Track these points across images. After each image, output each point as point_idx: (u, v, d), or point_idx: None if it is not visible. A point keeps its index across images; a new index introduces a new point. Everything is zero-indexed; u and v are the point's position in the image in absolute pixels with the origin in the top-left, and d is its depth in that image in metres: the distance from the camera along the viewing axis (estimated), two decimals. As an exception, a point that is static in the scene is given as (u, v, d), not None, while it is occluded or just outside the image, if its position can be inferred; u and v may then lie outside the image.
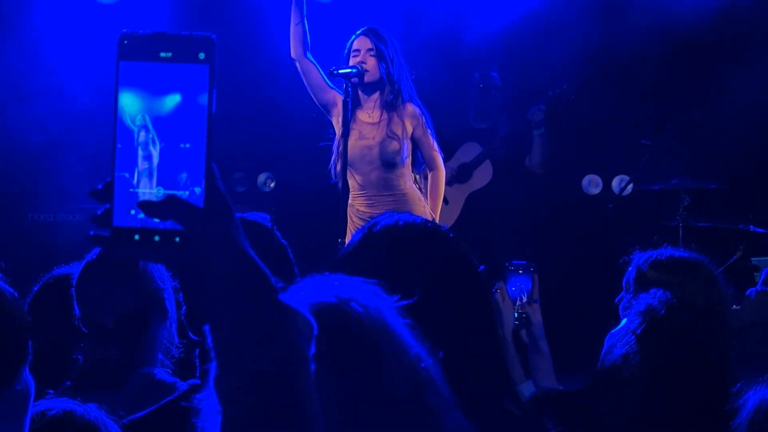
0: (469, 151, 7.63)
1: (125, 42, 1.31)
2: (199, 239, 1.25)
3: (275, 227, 2.65)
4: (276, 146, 8.34)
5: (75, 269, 3.21)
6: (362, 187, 5.82)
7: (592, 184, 8.16)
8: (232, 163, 8.47)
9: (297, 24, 5.83)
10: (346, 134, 5.53)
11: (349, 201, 5.84)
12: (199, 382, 2.44)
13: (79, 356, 2.88)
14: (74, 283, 2.92)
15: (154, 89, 1.32)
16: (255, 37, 8.11)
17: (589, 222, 7.79)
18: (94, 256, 2.89)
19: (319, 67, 5.85)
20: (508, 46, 7.84)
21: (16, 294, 1.85)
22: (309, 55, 5.86)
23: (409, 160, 5.84)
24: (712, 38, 7.52)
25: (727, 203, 7.04)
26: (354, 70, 5.62)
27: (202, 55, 1.31)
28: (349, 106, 5.54)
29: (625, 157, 7.61)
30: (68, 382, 2.85)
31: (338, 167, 5.75)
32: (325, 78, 5.82)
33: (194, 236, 1.25)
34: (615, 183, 8.02)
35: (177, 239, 1.27)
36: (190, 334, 2.58)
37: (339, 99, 5.72)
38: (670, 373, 2.38)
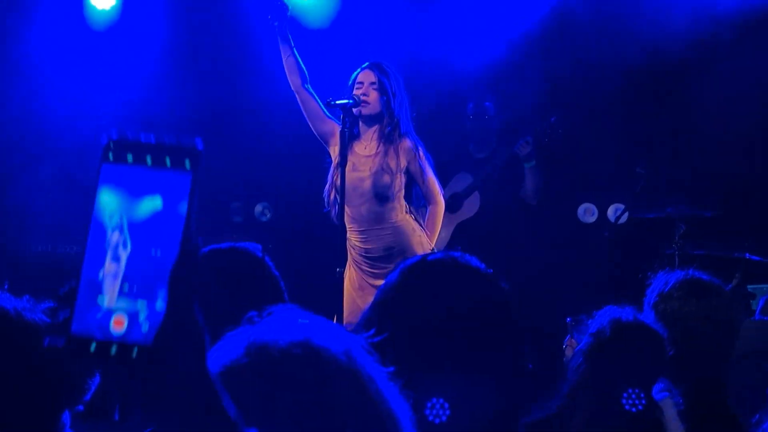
0: (461, 182, 7.68)
1: (111, 147, 1.29)
2: (156, 359, 1.23)
3: (267, 257, 2.66)
4: (273, 176, 8.36)
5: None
6: (354, 220, 5.81)
7: (588, 213, 8.18)
8: (230, 193, 8.49)
9: (288, 57, 5.86)
10: (343, 164, 5.54)
11: (347, 235, 5.85)
12: None
13: (93, 383, 2.89)
14: None
15: (134, 192, 1.30)
16: (252, 66, 8.14)
17: (585, 251, 7.81)
18: None
19: (317, 97, 5.88)
20: (503, 75, 7.89)
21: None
22: (307, 85, 5.88)
23: (401, 194, 5.83)
24: (704, 66, 7.57)
25: (723, 231, 7.06)
26: (350, 102, 5.65)
27: (187, 164, 1.28)
28: (346, 137, 5.57)
29: (620, 185, 7.64)
30: (80, 407, 2.86)
31: (332, 196, 5.77)
32: (323, 108, 5.85)
33: (150, 357, 1.23)
34: (610, 211, 8.04)
35: (134, 354, 1.23)
36: None
37: (337, 129, 5.74)
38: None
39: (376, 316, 1.89)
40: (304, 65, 5.89)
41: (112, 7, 8.17)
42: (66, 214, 7.93)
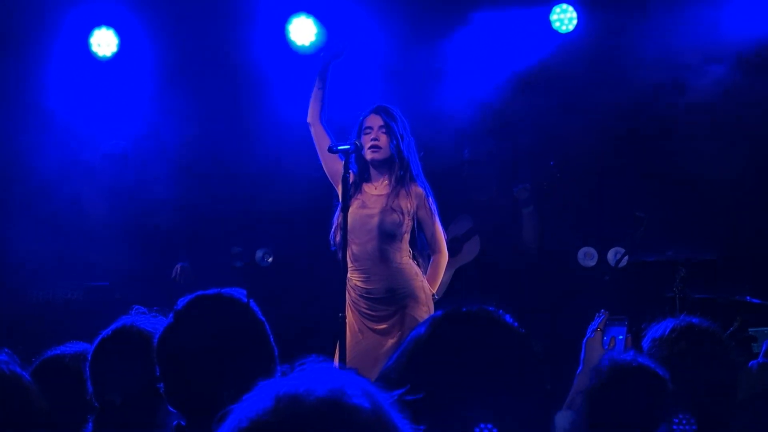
0: (461, 225, 7.69)
1: None
2: None
3: (252, 302, 2.67)
4: (274, 221, 8.37)
5: (69, 348, 3.24)
6: (357, 258, 5.80)
7: (588, 257, 8.18)
8: (230, 238, 8.49)
9: (319, 89, 5.96)
10: (345, 209, 5.56)
11: (348, 275, 5.82)
12: None
13: (87, 431, 2.88)
14: (89, 359, 2.94)
15: None
16: (254, 111, 8.19)
17: (585, 294, 7.79)
18: (110, 333, 2.92)
19: (330, 135, 5.92)
20: (501, 119, 7.92)
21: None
22: (323, 121, 5.94)
23: (407, 236, 5.84)
24: (704, 109, 7.61)
25: (724, 274, 7.06)
26: (351, 147, 5.68)
27: None
28: (348, 182, 5.60)
29: (620, 228, 7.65)
30: None
31: (338, 237, 5.77)
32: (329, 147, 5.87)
33: None
34: (610, 255, 8.04)
35: None
36: (169, 407, 2.60)
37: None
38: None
39: (405, 369, 1.87)
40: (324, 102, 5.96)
41: (113, 53, 8.24)
42: (64, 259, 7.95)
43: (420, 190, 5.87)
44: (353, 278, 5.81)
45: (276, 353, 2.60)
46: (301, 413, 1.21)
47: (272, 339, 2.61)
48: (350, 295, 5.83)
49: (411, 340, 1.99)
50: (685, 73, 7.56)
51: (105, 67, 8.26)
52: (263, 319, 2.64)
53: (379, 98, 6.27)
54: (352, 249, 5.78)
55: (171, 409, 2.58)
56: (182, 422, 2.49)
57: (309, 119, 5.97)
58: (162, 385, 2.57)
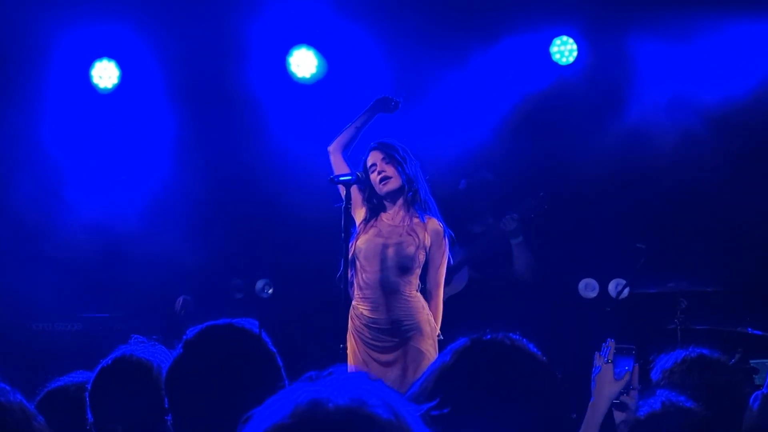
0: (453, 256, 7.69)
1: None
2: None
3: (263, 333, 2.65)
4: (274, 252, 8.37)
5: (74, 378, 3.23)
6: (367, 287, 5.76)
7: (589, 288, 8.17)
8: (230, 270, 8.48)
9: (357, 128, 6.00)
10: (346, 240, 5.57)
11: (353, 303, 5.83)
12: None
13: None
14: (89, 388, 2.93)
15: None
16: (256, 141, 8.20)
17: (586, 326, 7.77)
18: (109, 362, 2.90)
19: (350, 166, 5.94)
20: (496, 151, 7.92)
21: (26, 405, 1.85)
22: (344, 154, 5.98)
23: (419, 270, 5.83)
24: (705, 143, 7.63)
25: (724, 306, 7.05)
26: (352, 178, 5.70)
27: None
28: (350, 213, 5.62)
29: (620, 260, 7.64)
30: None
31: (349, 272, 5.78)
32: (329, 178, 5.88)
33: None
34: (611, 287, 8.03)
35: None
36: None
37: (360, 198, 5.86)
38: None
39: (430, 395, 1.85)
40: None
41: (114, 86, 8.27)
42: (63, 290, 7.93)
43: (438, 227, 5.86)
44: (359, 306, 5.78)
45: (287, 385, 2.56)
46: (319, 420, 1.19)
47: (283, 371, 2.59)
48: (353, 323, 5.80)
49: (436, 367, 1.98)
50: (686, 105, 7.58)
51: (106, 99, 8.28)
52: (275, 350, 2.62)
53: (379, 130, 6.27)
54: (362, 277, 5.77)
55: None
56: None
57: (331, 148, 6.00)
58: (170, 416, 2.53)
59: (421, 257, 5.79)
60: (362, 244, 5.77)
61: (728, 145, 7.65)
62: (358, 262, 5.78)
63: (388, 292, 5.75)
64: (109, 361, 2.94)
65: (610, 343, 3.40)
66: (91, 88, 8.26)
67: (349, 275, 5.78)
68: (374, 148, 5.92)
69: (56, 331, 7.82)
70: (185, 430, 2.51)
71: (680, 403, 2.57)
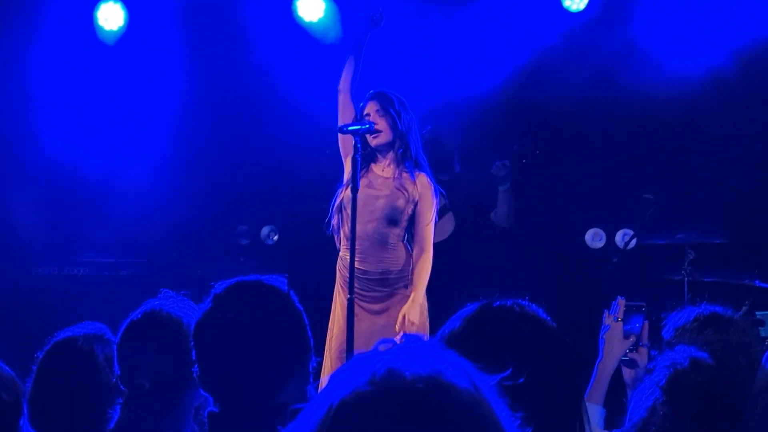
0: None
1: None
2: None
3: (292, 291, 2.66)
4: (279, 199, 8.35)
5: (82, 329, 3.22)
6: (356, 237, 5.74)
7: (596, 238, 8.14)
8: (236, 216, 8.47)
9: (355, 57, 5.97)
10: (354, 190, 5.54)
11: (340, 254, 5.85)
12: None
13: (114, 414, 2.88)
14: (117, 341, 2.96)
15: None
16: (260, 89, 8.15)
17: (592, 277, 7.76)
18: (139, 316, 2.91)
19: (356, 108, 5.92)
20: (507, 99, 7.84)
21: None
22: (352, 92, 5.95)
23: (406, 224, 5.83)
24: (716, 90, 7.55)
25: (732, 258, 7.02)
26: (366, 126, 5.69)
27: None
28: (358, 163, 5.58)
29: (628, 211, 7.61)
30: None
31: (335, 220, 5.81)
32: (339, 127, 5.84)
33: None
34: (619, 237, 8.00)
35: None
36: (201, 390, 2.59)
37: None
38: (694, 423, 2.42)
39: None
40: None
41: (120, 27, 8.19)
42: (68, 234, 7.93)
43: (426, 181, 5.87)
44: (347, 256, 5.76)
45: (312, 344, 2.59)
46: (398, 388, 1.20)
47: (309, 330, 2.60)
48: (342, 275, 5.80)
49: (444, 333, 1.98)
50: (699, 52, 7.48)
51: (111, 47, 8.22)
52: (302, 308, 2.63)
53: (370, 79, 6.20)
54: (346, 227, 5.76)
55: (204, 393, 2.57)
56: (215, 409, 2.48)
57: (340, 86, 5.99)
58: (196, 369, 2.56)
59: (410, 210, 5.81)
60: (351, 205, 5.74)
61: (740, 94, 7.57)
62: (345, 213, 5.76)
63: (376, 243, 5.78)
64: (139, 315, 2.94)
65: (620, 302, 3.37)
66: (95, 34, 8.17)
67: (336, 224, 5.79)
68: (371, 98, 5.90)
69: (62, 275, 7.83)
70: (211, 383, 2.54)
71: (705, 360, 2.55)
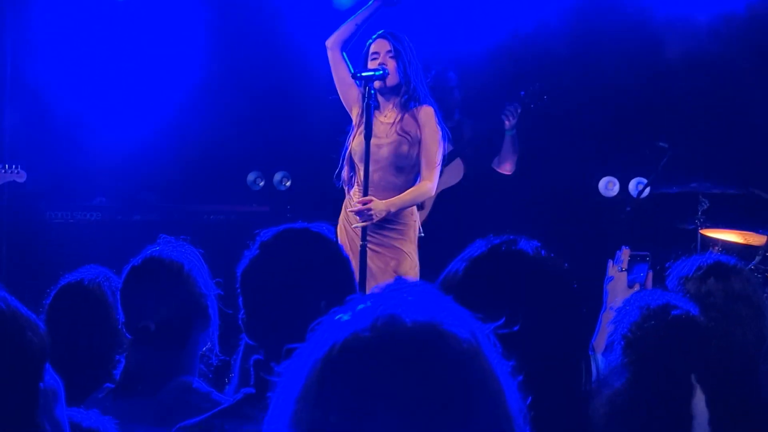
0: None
1: None
2: None
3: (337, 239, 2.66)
4: (292, 145, 8.34)
5: (87, 272, 3.24)
6: (362, 184, 5.67)
7: (610, 187, 8.12)
8: (248, 162, 8.47)
9: (357, 24, 5.82)
10: (368, 137, 5.47)
11: (345, 201, 5.80)
12: (253, 391, 2.43)
13: (122, 359, 2.90)
14: (120, 287, 2.97)
15: None
16: (272, 37, 8.10)
17: (605, 225, 7.74)
18: (140, 262, 2.91)
19: (349, 63, 5.82)
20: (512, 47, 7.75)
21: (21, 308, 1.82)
22: (344, 52, 5.84)
23: (415, 168, 5.72)
24: (733, 41, 7.47)
25: (747, 208, 6.98)
26: (379, 72, 5.58)
27: None
28: (371, 109, 5.51)
29: (642, 159, 7.56)
30: (109, 384, 2.87)
31: (345, 173, 5.73)
32: (352, 73, 5.76)
33: None
34: (632, 186, 7.98)
35: None
36: (247, 339, 2.60)
37: (355, 92, 5.77)
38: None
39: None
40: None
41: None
42: (78, 180, 7.94)
43: (429, 108, 5.73)
44: (355, 197, 5.70)
45: (357, 292, 2.60)
46: (398, 335, 1.21)
47: (355, 277, 2.61)
48: (348, 217, 5.72)
49: (445, 277, 1.97)
50: (714, 3, 7.39)
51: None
52: (347, 256, 2.63)
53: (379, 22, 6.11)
54: (359, 176, 5.70)
55: (249, 341, 2.58)
56: (260, 356, 2.48)
57: (329, 43, 5.84)
58: (242, 313, 2.56)
59: (415, 153, 5.70)
60: (357, 146, 5.68)
61: (757, 41, 7.49)
62: (354, 162, 5.72)
63: (381, 190, 5.66)
64: (139, 261, 2.95)
65: (625, 252, 3.35)
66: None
67: (346, 176, 5.73)
68: (383, 36, 5.73)
69: (75, 221, 7.84)
70: (256, 332, 2.54)
71: (685, 313, 2.51)
